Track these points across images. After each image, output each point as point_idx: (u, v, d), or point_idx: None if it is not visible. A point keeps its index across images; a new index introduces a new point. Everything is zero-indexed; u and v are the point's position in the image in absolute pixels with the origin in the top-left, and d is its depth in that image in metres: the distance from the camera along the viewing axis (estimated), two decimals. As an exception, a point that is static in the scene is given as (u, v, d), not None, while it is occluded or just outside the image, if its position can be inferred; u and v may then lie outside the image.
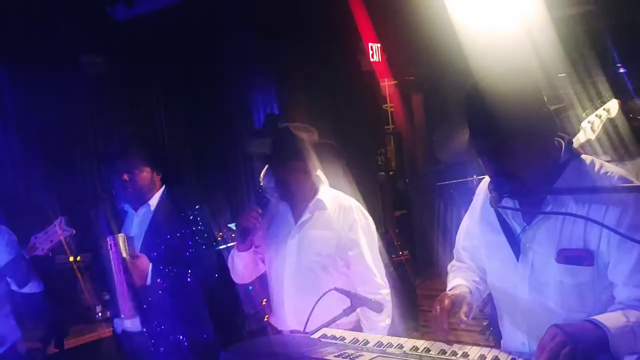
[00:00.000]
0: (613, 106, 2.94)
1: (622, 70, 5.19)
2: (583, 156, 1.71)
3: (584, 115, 2.99)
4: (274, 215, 2.69)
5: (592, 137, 2.91)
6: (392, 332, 2.49)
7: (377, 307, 2.22)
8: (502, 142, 1.57)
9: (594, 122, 2.92)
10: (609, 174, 1.63)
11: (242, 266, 2.66)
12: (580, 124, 2.96)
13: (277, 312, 2.65)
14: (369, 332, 2.32)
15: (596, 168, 1.65)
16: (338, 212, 2.57)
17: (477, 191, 1.98)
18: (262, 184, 3.87)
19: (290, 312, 2.56)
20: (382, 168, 6.81)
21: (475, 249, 1.97)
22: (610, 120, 2.87)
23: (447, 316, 1.70)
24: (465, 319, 1.71)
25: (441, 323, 1.69)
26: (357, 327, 2.45)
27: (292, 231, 2.61)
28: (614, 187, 1.58)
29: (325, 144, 2.60)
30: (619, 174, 1.63)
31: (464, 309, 1.74)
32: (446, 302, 1.74)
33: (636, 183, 1.60)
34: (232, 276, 2.74)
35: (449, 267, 2.10)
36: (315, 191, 2.61)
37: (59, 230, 2.90)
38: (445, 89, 6.83)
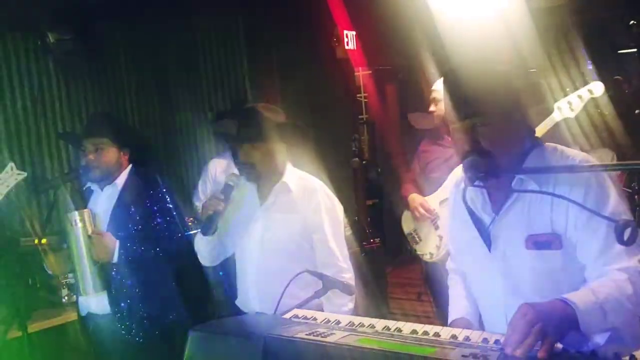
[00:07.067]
0: (597, 87, 3.00)
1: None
2: (546, 144, 1.76)
3: (561, 96, 3.02)
4: (241, 198, 2.66)
5: (571, 115, 2.95)
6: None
7: (349, 290, 2.21)
8: (479, 120, 1.63)
9: (572, 102, 2.96)
10: (571, 157, 1.68)
11: (208, 250, 2.65)
12: (555, 104, 2.99)
13: (243, 295, 2.64)
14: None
15: (558, 153, 1.71)
16: (303, 195, 2.54)
17: (449, 193, 2.00)
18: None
19: (256, 295, 2.54)
20: (356, 154, 6.80)
21: (456, 250, 2.00)
22: (593, 101, 2.92)
23: None
24: None
25: None
26: (321, 310, 2.43)
27: (257, 215, 2.59)
28: (579, 166, 1.64)
29: (292, 125, 2.58)
30: (580, 156, 1.68)
31: None
32: None
33: (598, 163, 1.65)
34: (200, 259, 2.71)
35: (448, 280, 2.09)
36: (280, 173, 2.58)
37: (13, 174, 2.96)
38: (420, 80, 6.86)
